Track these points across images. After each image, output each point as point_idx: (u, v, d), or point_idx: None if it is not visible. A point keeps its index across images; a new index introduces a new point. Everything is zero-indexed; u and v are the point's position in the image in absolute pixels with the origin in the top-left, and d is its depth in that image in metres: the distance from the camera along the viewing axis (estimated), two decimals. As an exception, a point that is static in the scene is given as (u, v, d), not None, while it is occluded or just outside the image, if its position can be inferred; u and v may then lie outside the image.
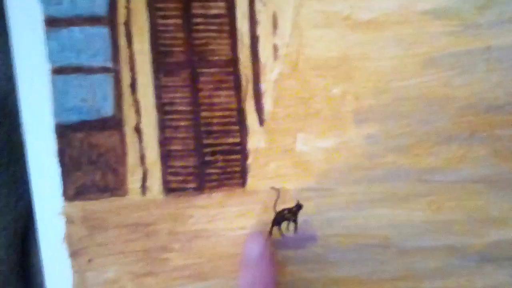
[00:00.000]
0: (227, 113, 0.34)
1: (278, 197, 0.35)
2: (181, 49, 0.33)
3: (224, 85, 0.34)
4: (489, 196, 0.35)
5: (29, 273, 0.38)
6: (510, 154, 0.35)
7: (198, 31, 0.33)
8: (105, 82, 0.33)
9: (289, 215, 0.35)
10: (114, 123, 0.33)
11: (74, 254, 0.35)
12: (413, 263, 0.36)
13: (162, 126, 0.34)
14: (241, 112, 0.34)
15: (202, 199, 0.35)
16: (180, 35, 0.33)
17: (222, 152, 0.34)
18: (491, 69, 0.34)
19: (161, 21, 0.33)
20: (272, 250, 0.34)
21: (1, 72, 0.35)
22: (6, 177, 0.36)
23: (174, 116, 0.34)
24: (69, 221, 0.34)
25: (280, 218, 0.35)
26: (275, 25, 0.33)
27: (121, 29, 0.33)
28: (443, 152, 0.35)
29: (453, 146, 0.35)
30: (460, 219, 0.35)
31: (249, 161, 0.35)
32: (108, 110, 0.33)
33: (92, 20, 0.32)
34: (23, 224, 0.37)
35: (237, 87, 0.34)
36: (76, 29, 0.32)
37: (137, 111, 0.33)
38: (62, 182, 0.34)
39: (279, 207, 0.35)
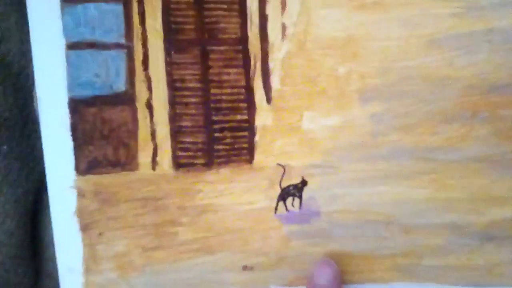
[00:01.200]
0: (235, 90, 0.35)
1: (284, 173, 0.36)
2: (192, 27, 0.35)
3: (233, 63, 0.35)
4: (491, 175, 0.36)
5: (39, 246, 0.40)
6: (511, 134, 0.36)
7: (208, 9, 0.34)
8: (118, 58, 0.34)
9: (294, 191, 0.36)
10: (126, 99, 0.35)
11: (85, 227, 0.36)
12: (415, 240, 0.37)
13: (173, 102, 0.35)
14: (249, 90, 0.35)
15: (211, 175, 0.36)
16: (191, 13, 0.34)
17: (231, 129, 0.36)
18: (494, 50, 0.35)
19: None
20: (340, 276, 0.35)
21: (16, 48, 0.36)
22: (18, 151, 0.37)
23: (184, 93, 0.35)
24: (81, 194, 0.36)
25: (285, 194, 0.36)
26: (283, 5, 0.35)
27: (135, 7, 0.34)
28: (446, 131, 0.36)
29: (456, 125, 0.36)
30: (462, 198, 0.37)
31: (257, 138, 0.36)
32: (120, 85, 0.35)
33: None
34: (34, 197, 0.39)
35: (246, 65, 0.35)
36: (91, 6, 0.34)
37: (149, 87, 0.35)
38: (74, 156, 0.35)
39: (285, 183, 0.36)
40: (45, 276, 0.40)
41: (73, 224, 0.36)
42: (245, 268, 0.37)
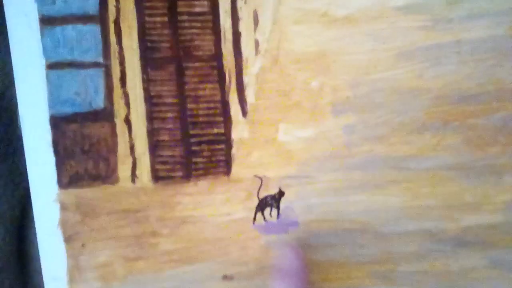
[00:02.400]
0: (211, 105, 0.37)
1: (261, 184, 0.38)
2: (167, 45, 0.36)
3: (208, 79, 0.37)
4: (462, 182, 0.38)
5: (25, 259, 0.42)
6: (482, 142, 0.37)
7: (183, 28, 0.36)
8: (96, 76, 0.36)
9: (271, 201, 0.38)
10: (105, 115, 0.37)
11: (68, 239, 0.38)
12: (390, 247, 0.38)
13: (150, 118, 0.37)
14: (225, 104, 0.37)
15: (189, 187, 0.38)
16: (167, 31, 0.36)
17: (208, 142, 0.38)
18: (462, 62, 0.37)
19: (148, 19, 0.36)
20: (306, 263, 0.37)
21: None
22: (3, 169, 0.39)
23: (162, 108, 0.37)
24: (64, 207, 0.38)
25: (263, 204, 0.38)
26: (256, 22, 0.37)
27: (111, 27, 0.36)
28: (418, 141, 0.37)
29: (427, 135, 0.37)
30: (435, 205, 0.38)
31: (233, 150, 0.38)
32: (99, 102, 0.37)
33: (84, 18, 0.36)
34: (19, 212, 0.40)
35: (221, 80, 0.37)
36: (69, 27, 0.36)
37: (127, 104, 0.37)
38: (56, 170, 0.37)
39: (262, 194, 0.38)
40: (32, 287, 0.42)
41: (57, 236, 0.38)
42: (225, 277, 0.39)
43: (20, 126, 0.38)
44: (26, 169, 0.38)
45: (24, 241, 0.41)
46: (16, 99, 0.37)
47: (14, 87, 0.37)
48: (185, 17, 0.36)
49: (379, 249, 0.39)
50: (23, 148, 0.37)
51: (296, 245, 0.37)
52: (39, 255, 0.38)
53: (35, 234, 0.38)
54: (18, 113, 0.38)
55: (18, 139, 0.39)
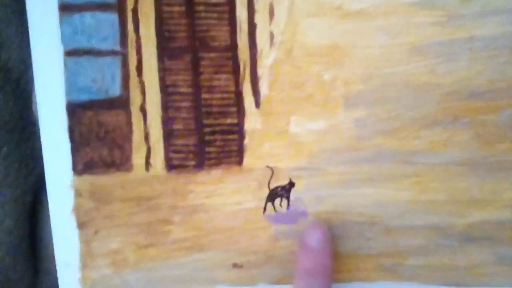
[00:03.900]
0: (225, 95, 0.39)
1: (272, 175, 0.39)
2: (184, 34, 0.38)
3: (223, 69, 0.38)
4: (471, 178, 0.39)
5: (38, 244, 0.43)
6: (492, 139, 0.39)
7: (200, 18, 0.38)
8: (113, 64, 0.38)
9: (282, 192, 0.39)
10: (121, 103, 0.38)
11: (81, 225, 0.39)
12: (398, 240, 0.40)
13: (165, 107, 0.38)
14: (238, 95, 0.38)
15: (202, 176, 0.39)
16: (183, 21, 0.38)
17: (221, 132, 0.39)
18: (474, 58, 0.38)
19: (166, 8, 0.37)
20: (331, 238, 0.38)
21: (16, 55, 0.39)
22: (17, 153, 0.40)
23: (177, 97, 0.38)
24: (78, 194, 0.39)
25: (273, 195, 0.39)
26: (271, 14, 0.38)
27: (129, 15, 0.37)
28: (428, 136, 0.39)
29: (437, 130, 0.38)
30: (444, 200, 0.39)
31: (246, 141, 0.39)
32: (115, 90, 0.38)
33: (103, 6, 0.37)
34: (32, 197, 0.42)
35: (235, 71, 0.38)
36: (87, 15, 0.37)
37: (143, 92, 0.38)
38: (72, 157, 0.39)
39: (273, 185, 0.39)
40: (43, 273, 0.44)
41: (71, 222, 0.39)
42: (235, 266, 0.40)
43: (35, 111, 0.39)
44: (39, 155, 0.39)
45: (36, 227, 0.43)
46: (31, 85, 0.39)
47: (31, 72, 0.38)
48: (201, 8, 0.37)
49: (387, 242, 0.40)
50: (37, 134, 0.39)
51: (324, 223, 0.38)
52: (51, 241, 0.40)
53: (47, 220, 0.40)
54: (33, 98, 0.39)
55: (33, 124, 0.40)
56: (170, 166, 0.39)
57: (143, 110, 0.38)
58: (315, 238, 0.37)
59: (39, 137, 0.39)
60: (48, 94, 0.38)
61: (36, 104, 0.38)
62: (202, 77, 0.38)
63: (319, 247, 0.37)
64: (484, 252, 0.40)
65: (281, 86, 0.38)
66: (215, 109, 0.39)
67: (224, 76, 0.38)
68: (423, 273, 0.40)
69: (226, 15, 0.38)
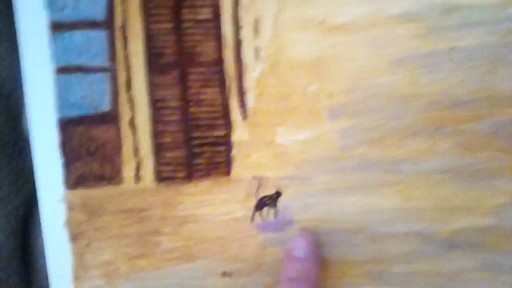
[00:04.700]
0: (213, 108, 0.40)
1: (259, 185, 0.41)
2: (171, 50, 0.39)
3: (210, 83, 0.40)
4: (454, 186, 0.40)
5: (30, 257, 0.44)
6: (473, 147, 0.40)
7: (187, 34, 0.39)
8: (103, 80, 0.39)
9: (269, 201, 0.41)
10: (111, 118, 0.39)
11: (73, 238, 0.41)
12: (384, 247, 0.41)
13: (155, 121, 0.40)
14: (226, 108, 0.40)
15: (191, 187, 0.41)
16: (171, 38, 0.39)
17: (209, 144, 0.40)
18: (455, 69, 0.39)
19: (154, 25, 0.39)
20: (318, 248, 0.39)
21: (7, 72, 0.40)
22: (9, 169, 0.41)
23: (165, 112, 0.40)
24: (70, 207, 0.40)
25: (261, 204, 0.41)
26: (256, 29, 0.39)
27: (118, 33, 0.39)
28: (411, 145, 0.40)
29: (420, 139, 0.40)
30: (427, 207, 0.41)
31: (233, 152, 0.40)
32: (105, 106, 0.39)
33: (92, 24, 0.39)
34: (25, 211, 0.43)
35: (222, 85, 0.40)
36: (77, 33, 0.39)
37: (132, 107, 0.40)
38: (63, 171, 0.40)
39: (261, 194, 0.41)
40: (36, 286, 0.45)
41: (63, 235, 0.41)
42: (224, 274, 0.42)
43: (26, 127, 0.41)
44: (31, 170, 0.40)
45: (28, 241, 0.44)
46: (22, 101, 0.40)
47: (21, 89, 0.40)
48: (189, 24, 0.39)
49: (372, 249, 0.41)
50: (28, 150, 0.40)
51: (309, 234, 0.40)
52: (43, 254, 0.41)
53: (39, 233, 0.41)
54: (24, 115, 0.41)
55: (24, 140, 0.41)
56: (160, 178, 0.40)
57: (132, 124, 0.40)
58: (301, 248, 0.39)
59: (30, 153, 0.40)
60: (40, 110, 0.39)
61: (27, 120, 0.40)
62: (190, 91, 0.40)
63: (305, 256, 0.39)
64: (468, 259, 0.41)
65: (267, 98, 0.40)
66: (203, 122, 0.40)
67: (211, 90, 0.40)
68: (408, 280, 0.42)
69: (212, 31, 0.39)
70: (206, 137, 0.40)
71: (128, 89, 0.39)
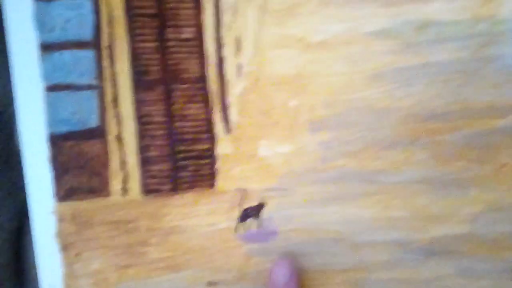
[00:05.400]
0: (197, 123, 0.42)
1: (243, 197, 0.42)
2: (156, 68, 0.41)
3: (194, 99, 0.41)
4: (430, 195, 0.42)
5: (22, 268, 0.46)
6: (448, 157, 0.42)
7: (171, 52, 0.41)
8: (91, 97, 0.41)
9: (253, 212, 0.42)
10: (99, 133, 0.41)
11: (64, 248, 0.42)
12: (363, 256, 0.43)
13: (141, 135, 0.42)
14: (209, 123, 0.42)
15: (176, 199, 0.42)
16: (156, 56, 0.41)
17: (194, 158, 0.42)
18: (430, 82, 0.41)
19: (139, 45, 0.41)
20: (298, 277, 0.41)
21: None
22: (3, 182, 0.43)
23: (151, 126, 0.41)
24: (60, 219, 0.42)
25: (245, 215, 0.42)
26: (238, 47, 0.41)
27: (105, 52, 0.41)
28: (389, 156, 0.42)
29: (397, 150, 0.42)
30: (405, 216, 0.42)
31: (217, 165, 0.42)
32: (93, 122, 0.41)
33: (80, 44, 0.40)
34: (17, 224, 0.45)
35: (206, 100, 0.41)
36: (66, 52, 0.40)
37: (119, 123, 0.41)
38: (54, 184, 0.41)
39: (244, 206, 0.42)
40: (28, 295, 0.46)
41: (54, 246, 0.42)
42: (210, 284, 0.43)
43: (18, 142, 0.42)
44: (23, 183, 0.42)
45: (21, 251, 0.45)
46: (14, 117, 0.42)
47: (13, 106, 0.41)
48: (173, 43, 0.41)
49: (352, 258, 0.43)
50: (20, 164, 0.42)
51: (290, 260, 0.41)
52: (35, 264, 0.42)
53: (31, 244, 0.43)
54: (16, 130, 0.43)
55: (16, 155, 0.43)
56: (147, 190, 0.42)
57: (119, 139, 0.42)
58: (282, 274, 0.40)
59: (22, 167, 0.41)
60: (31, 126, 0.41)
61: (19, 136, 0.41)
62: (175, 107, 0.41)
63: (287, 280, 0.40)
64: (445, 265, 0.43)
65: (249, 113, 0.42)
66: (187, 136, 0.42)
67: (195, 105, 0.41)
68: (388, 287, 0.43)
69: (196, 49, 0.41)
70: (191, 151, 0.42)
71: (115, 105, 0.41)
